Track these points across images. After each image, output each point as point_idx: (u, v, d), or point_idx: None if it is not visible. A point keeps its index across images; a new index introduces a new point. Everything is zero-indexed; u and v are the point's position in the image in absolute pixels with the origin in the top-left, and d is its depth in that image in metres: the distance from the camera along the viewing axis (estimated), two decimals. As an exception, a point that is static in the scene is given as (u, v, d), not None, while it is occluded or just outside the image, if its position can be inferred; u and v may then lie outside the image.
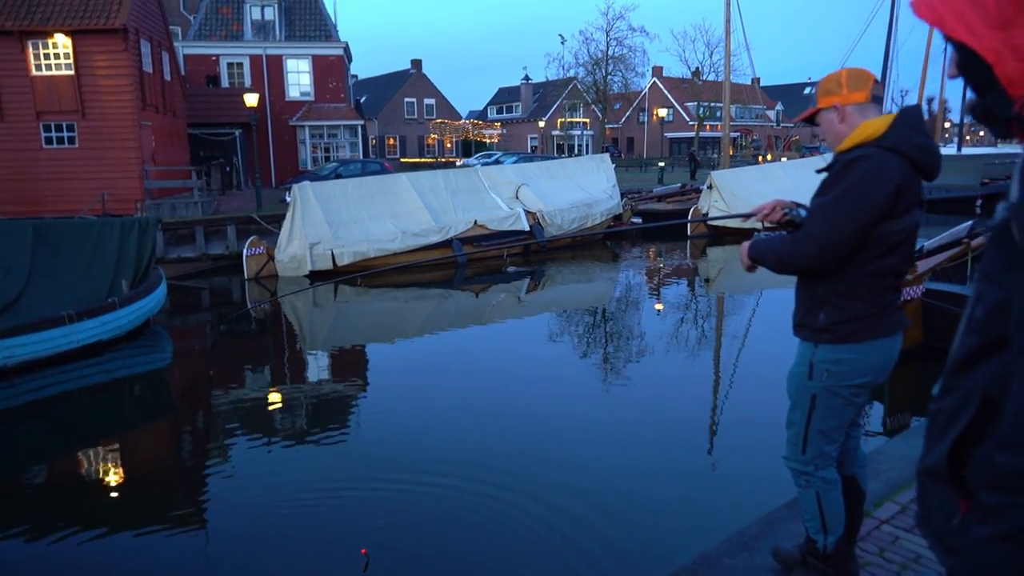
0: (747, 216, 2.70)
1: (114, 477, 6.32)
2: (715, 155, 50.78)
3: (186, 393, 9.10)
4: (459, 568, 4.42)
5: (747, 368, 8.91)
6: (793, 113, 73.26)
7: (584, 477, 5.44)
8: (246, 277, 15.09)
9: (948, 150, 51.46)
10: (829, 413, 2.52)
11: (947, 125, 71.35)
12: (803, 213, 2.55)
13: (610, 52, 42.98)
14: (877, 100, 2.38)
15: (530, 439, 6.49)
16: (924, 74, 41.80)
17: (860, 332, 2.40)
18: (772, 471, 5.54)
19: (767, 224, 2.61)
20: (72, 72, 19.34)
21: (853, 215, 2.27)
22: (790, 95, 75.81)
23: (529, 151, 54.62)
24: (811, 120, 2.60)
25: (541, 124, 59.26)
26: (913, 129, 2.31)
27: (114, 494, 5.98)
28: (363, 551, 4.38)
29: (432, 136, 54.69)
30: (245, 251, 15.15)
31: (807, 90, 76.95)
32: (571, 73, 46.36)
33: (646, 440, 6.39)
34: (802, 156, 43.48)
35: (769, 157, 45.95)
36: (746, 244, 2.60)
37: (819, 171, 2.49)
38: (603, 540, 4.54)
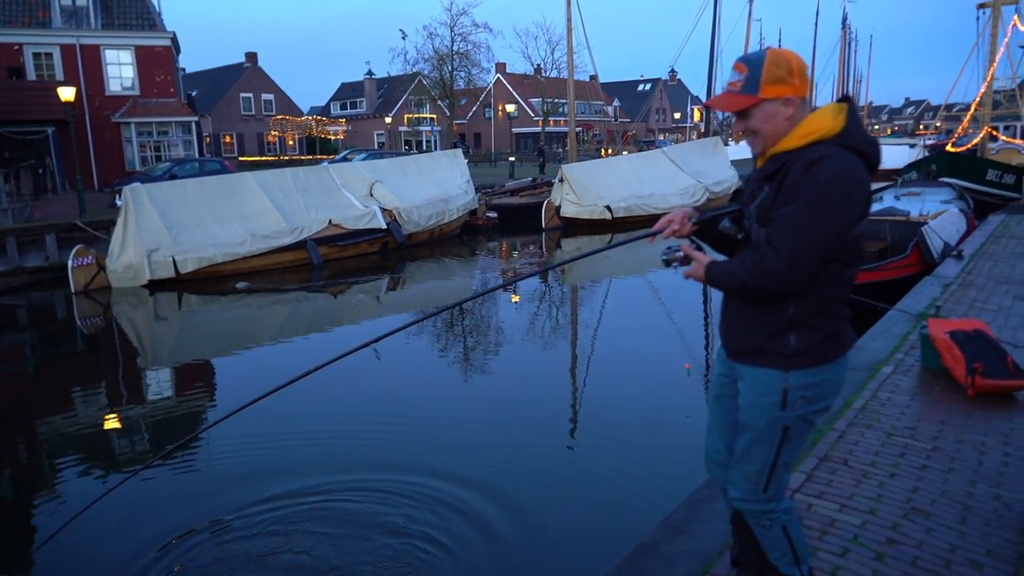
0: (653, 235, 2.36)
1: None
2: (561, 149, 52.29)
3: (4, 423, 7.99)
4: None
5: (606, 357, 9.16)
6: (630, 109, 77.15)
7: (465, 486, 5.28)
8: (73, 290, 13.58)
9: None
10: (798, 442, 2.30)
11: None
12: (727, 224, 2.32)
13: (455, 48, 42.96)
14: None
15: (402, 445, 6.26)
16: (744, 72, 45.28)
17: (831, 351, 2.19)
18: (653, 460, 5.73)
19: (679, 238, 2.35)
20: None
21: (828, 223, 2.01)
22: (625, 91, 79.70)
23: (376, 147, 53.49)
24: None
25: (388, 120, 58.25)
26: (861, 125, 2.13)
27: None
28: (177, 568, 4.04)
29: (273, 133, 52.12)
30: (71, 262, 13.62)
31: (641, 87, 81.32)
32: (416, 68, 45.84)
33: (516, 438, 6.36)
34: (640, 149, 45.86)
35: (611, 151, 48.08)
36: (696, 269, 2.28)
37: (764, 177, 2.19)
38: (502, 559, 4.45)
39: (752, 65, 2.14)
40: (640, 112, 77.70)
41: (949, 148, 27.89)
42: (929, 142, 48.12)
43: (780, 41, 70.60)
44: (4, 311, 12.97)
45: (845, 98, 2.18)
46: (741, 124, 2.21)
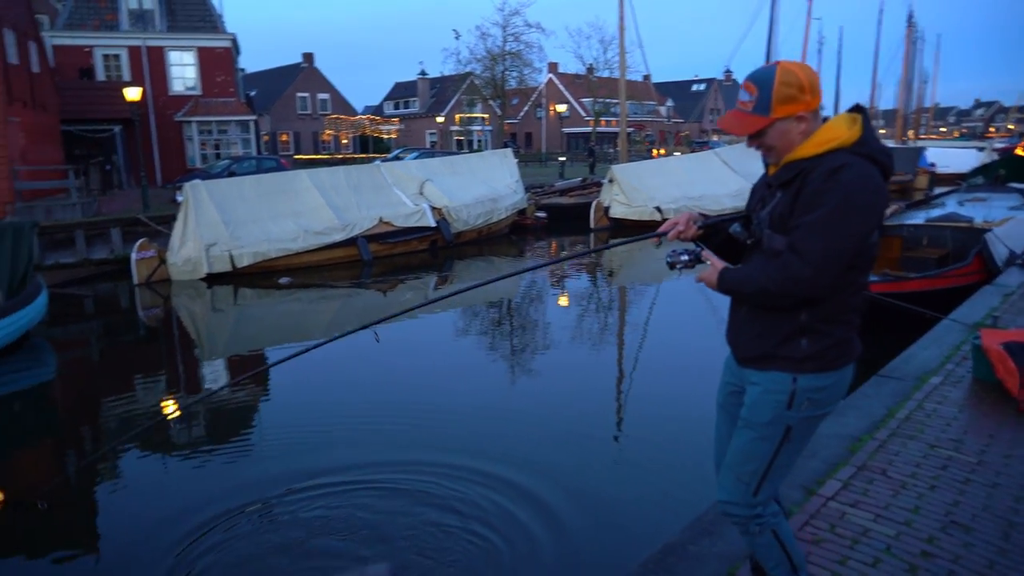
0: (658, 236, 2.38)
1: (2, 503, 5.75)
2: (612, 149, 52.00)
3: (72, 409, 8.41)
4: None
5: (654, 359, 9.13)
6: (684, 109, 76.20)
7: (523, 472, 5.39)
8: (136, 282, 14.15)
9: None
10: (799, 445, 2.31)
11: (821, 120, 75.98)
12: (738, 228, 2.33)
13: (507, 48, 43.11)
14: None
15: (458, 435, 6.38)
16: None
17: (841, 357, 2.21)
18: (693, 459, 5.72)
19: (682, 240, 2.36)
20: (-76, 62, 17.52)
21: (854, 230, 2.03)
22: (679, 92, 78.71)
23: (428, 147, 54.04)
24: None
25: (439, 119, 58.79)
26: (875, 134, 2.14)
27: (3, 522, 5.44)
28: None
29: (328, 132, 53.19)
30: (134, 255, 14.20)
31: (695, 87, 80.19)
32: (468, 68, 46.15)
33: (555, 429, 6.42)
34: (692, 150, 45.29)
35: (663, 151, 47.60)
36: (710, 274, 2.28)
37: (779, 184, 2.19)
38: (557, 540, 4.51)
39: (762, 85, 2.12)
40: (694, 112, 76.65)
41: (1019, 152, 26.80)
42: (999, 145, 46.24)
43: (841, 41, 68.74)
44: (72, 301, 13.58)
45: (858, 107, 2.18)
46: (754, 141, 2.22)
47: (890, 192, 2.15)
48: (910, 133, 65.26)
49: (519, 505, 4.92)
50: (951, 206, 14.91)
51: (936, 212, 13.85)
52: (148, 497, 5.57)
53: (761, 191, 2.31)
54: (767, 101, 2.11)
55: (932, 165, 35.40)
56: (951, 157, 39.98)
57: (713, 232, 2.39)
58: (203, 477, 5.97)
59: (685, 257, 2.33)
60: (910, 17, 54.77)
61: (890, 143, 56.54)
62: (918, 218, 13.20)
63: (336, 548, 4.53)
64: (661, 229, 2.37)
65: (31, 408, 8.54)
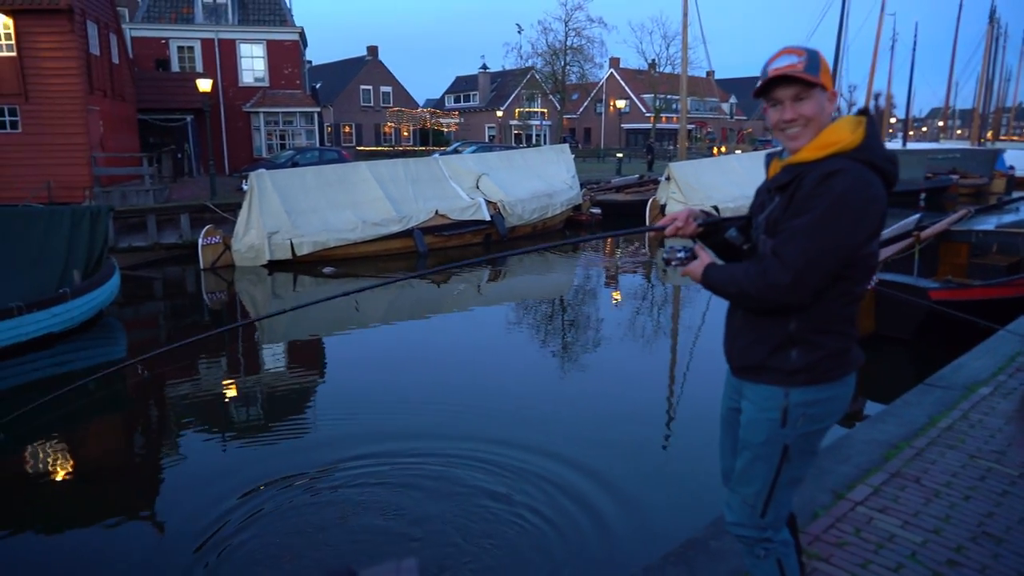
0: (659, 229, 2.35)
1: (71, 472, 6.17)
2: (671, 147, 51.41)
3: (141, 386, 8.90)
4: (444, 554, 4.46)
5: (705, 360, 9.11)
6: (748, 107, 74.65)
7: (565, 467, 5.51)
8: (202, 267, 14.78)
9: (893, 145, 53.11)
10: (800, 463, 2.21)
11: (892, 120, 73.49)
12: (734, 233, 2.28)
13: (568, 43, 43.07)
14: None
15: (506, 426, 6.54)
16: (872, 69, 42.99)
17: (835, 369, 2.11)
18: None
19: (681, 237, 2.29)
20: (14, 54, 18.58)
21: (839, 239, 1.95)
22: (743, 88, 77.06)
23: (487, 140, 54.46)
24: (764, 94, 2.10)
25: (499, 114, 59.14)
26: (879, 138, 2.06)
27: (71, 490, 5.84)
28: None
29: (389, 124, 54.13)
30: (201, 240, 14.83)
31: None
32: (529, 63, 46.33)
33: (608, 431, 6.51)
34: (755, 148, 44.39)
35: (723, 149, 46.81)
36: (695, 267, 2.23)
37: (776, 188, 2.13)
38: (589, 528, 4.64)
39: (808, 51, 2.06)
40: (757, 110, 74.90)
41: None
42: (1085, 148, 43.89)
43: (916, 39, 66.05)
44: (142, 283, 14.29)
45: (864, 111, 2.11)
46: (795, 109, 2.05)
47: (886, 199, 2.03)
48: (988, 134, 62.41)
49: (560, 491, 5.05)
50: None
51: (1008, 218, 13.36)
52: (201, 468, 5.90)
53: (763, 195, 2.25)
54: (816, 65, 2.03)
55: (1011, 168, 33.88)
56: None
57: (713, 230, 2.32)
58: (253, 453, 6.28)
59: (681, 255, 2.26)
60: (992, 12, 52.41)
61: (964, 144, 54.31)
62: (988, 223, 12.75)
63: (377, 526, 4.74)
64: (660, 223, 2.35)
65: (102, 384, 9.06)
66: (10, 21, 18.33)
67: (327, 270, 14.85)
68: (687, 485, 5.33)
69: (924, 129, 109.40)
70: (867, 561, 3.02)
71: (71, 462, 6.45)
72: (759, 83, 2.11)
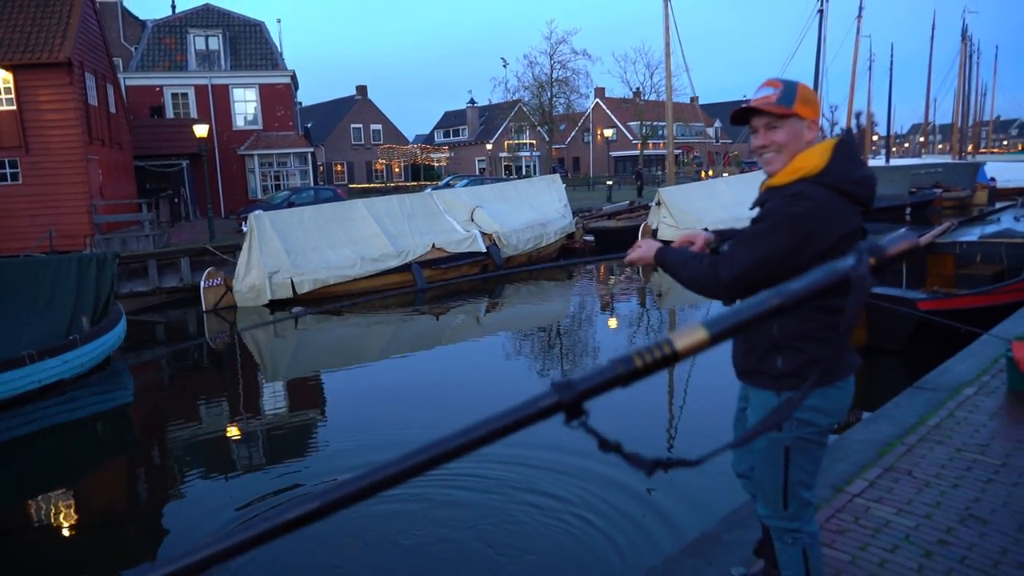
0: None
1: (80, 519, 6.31)
2: (659, 172, 52.15)
3: (151, 430, 9.04)
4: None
5: (708, 370, 9.35)
6: (733, 130, 75.78)
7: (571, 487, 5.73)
8: (204, 309, 15.01)
9: (876, 162, 53.97)
10: (806, 460, 2.33)
11: (875, 138, 74.71)
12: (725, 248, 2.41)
13: (554, 75, 43.93)
14: None
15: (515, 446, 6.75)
16: (852, 90, 43.93)
17: (824, 374, 2.20)
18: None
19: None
20: (14, 107, 18.99)
21: (777, 253, 2.10)
22: (727, 112, 77.95)
23: (477, 173, 55.12)
24: (744, 120, 2.29)
25: (488, 147, 59.92)
26: (852, 161, 2.19)
27: (81, 536, 5.96)
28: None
29: (380, 161, 54.80)
30: (203, 283, 15.08)
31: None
32: (516, 96, 47.13)
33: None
34: (742, 171, 45.10)
35: (711, 173, 47.53)
36: (652, 244, 2.42)
37: (758, 205, 2.30)
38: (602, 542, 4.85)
39: (786, 83, 2.24)
40: (742, 133, 76.00)
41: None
42: (1063, 158, 44.74)
43: (892, 59, 67.48)
44: (145, 327, 14.50)
45: (844, 133, 2.36)
46: (767, 136, 2.24)
47: (847, 215, 2.20)
48: (969, 147, 63.50)
49: (579, 491, 5.27)
50: (1007, 222, 14.73)
51: (991, 228, 13.73)
52: (202, 504, 6.09)
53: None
54: (791, 96, 2.20)
55: (992, 180, 34.58)
56: (1011, 171, 38.96)
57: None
58: (253, 485, 6.47)
59: None
60: (964, 31, 53.73)
61: (946, 159, 55.22)
62: (971, 235, 13.11)
63: (390, 557, 4.94)
64: (677, 243, 2.55)
65: (112, 428, 9.23)
66: (10, 76, 18.76)
67: (295, 310, 14.61)
68: (695, 486, 5.55)
69: (906, 145, 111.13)
70: (865, 544, 3.26)
71: (83, 507, 6.61)
72: (733, 113, 2.36)
